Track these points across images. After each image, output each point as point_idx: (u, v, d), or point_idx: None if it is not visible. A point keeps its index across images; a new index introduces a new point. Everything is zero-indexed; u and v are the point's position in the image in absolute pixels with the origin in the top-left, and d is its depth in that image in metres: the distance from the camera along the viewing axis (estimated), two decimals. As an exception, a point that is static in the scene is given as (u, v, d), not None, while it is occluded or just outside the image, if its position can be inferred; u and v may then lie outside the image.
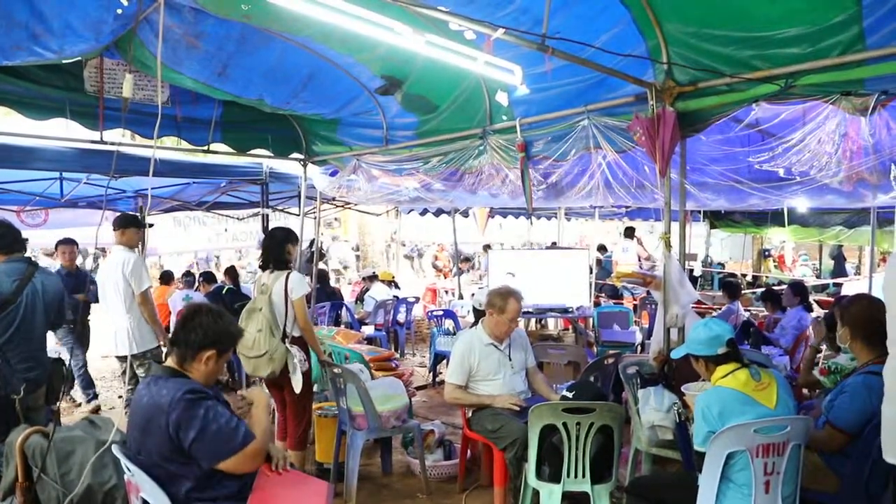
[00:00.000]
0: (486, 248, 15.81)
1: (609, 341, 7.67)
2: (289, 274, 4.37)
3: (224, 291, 7.80)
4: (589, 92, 4.28)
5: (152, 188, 8.05)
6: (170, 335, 2.64)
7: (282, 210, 10.14)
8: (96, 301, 5.92)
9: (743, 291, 8.98)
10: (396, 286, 11.30)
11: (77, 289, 6.19)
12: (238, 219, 11.36)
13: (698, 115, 3.77)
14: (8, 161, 5.67)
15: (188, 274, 10.72)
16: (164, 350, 5.40)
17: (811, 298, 8.34)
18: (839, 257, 14.67)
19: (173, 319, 7.51)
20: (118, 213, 5.62)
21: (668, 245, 3.87)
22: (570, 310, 8.16)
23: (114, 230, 5.22)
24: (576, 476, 3.43)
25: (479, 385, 4.15)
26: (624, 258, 12.02)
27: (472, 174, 5.55)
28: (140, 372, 5.19)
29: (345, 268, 18.06)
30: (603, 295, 11.52)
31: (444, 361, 7.24)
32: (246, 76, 5.17)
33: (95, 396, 6.56)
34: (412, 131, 5.75)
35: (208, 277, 8.56)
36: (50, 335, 4.50)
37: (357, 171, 6.40)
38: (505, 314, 4.10)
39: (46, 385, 4.10)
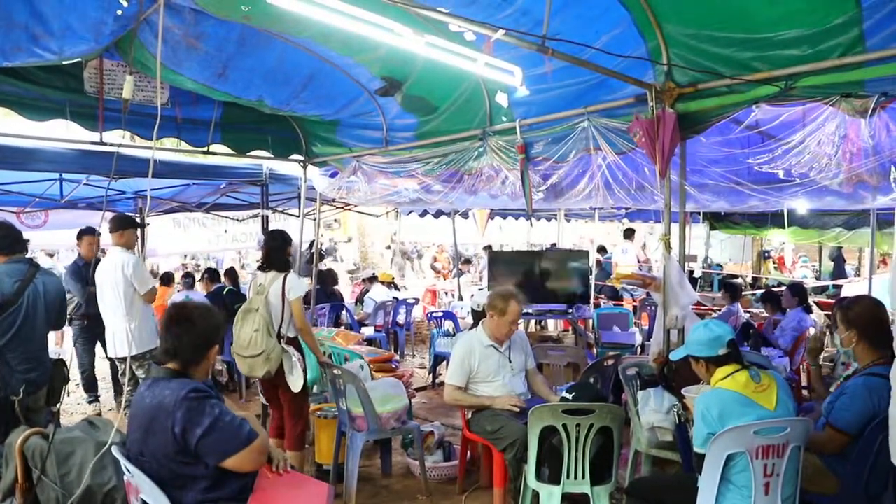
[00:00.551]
0: (488, 248, 15.83)
1: (609, 343, 7.67)
2: (286, 275, 4.38)
3: (225, 292, 7.80)
4: (589, 93, 4.29)
5: (152, 189, 8.07)
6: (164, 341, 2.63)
7: (282, 211, 10.14)
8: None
9: (743, 293, 8.98)
10: (396, 288, 11.30)
11: (93, 280, 6.14)
12: (238, 220, 11.35)
13: (698, 117, 3.78)
14: (8, 162, 5.68)
15: (188, 275, 10.72)
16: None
17: (811, 300, 8.34)
18: (839, 259, 14.68)
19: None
20: (115, 214, 5.60)
21: (667, 246, 3.87)
22: (570, 311, 8.16)
23: (111, 232, 5.21)
24: (575, 477, 3.43)
25: (479, 386, 4.15)
26: (623, 260, 12.02)
27: (471, 175, 5.55)
28: (140, 373, 5.18)
29: (357, 269, 17.95)
30: (602, 296, 11.52)
31: (444, 363, 7.23)
32: (246, 77, 5.18)
33: (97, 399, 6.54)
34: (412, 132, 5.76)
35: (213, 275, 8.51)
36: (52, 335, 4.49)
37: (357, 173, 6.41)
38: (506, 316, 4.10)
39: (47, 386, 4.11)
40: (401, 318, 9.49)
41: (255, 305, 4.34)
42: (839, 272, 14.41)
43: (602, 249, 14.15)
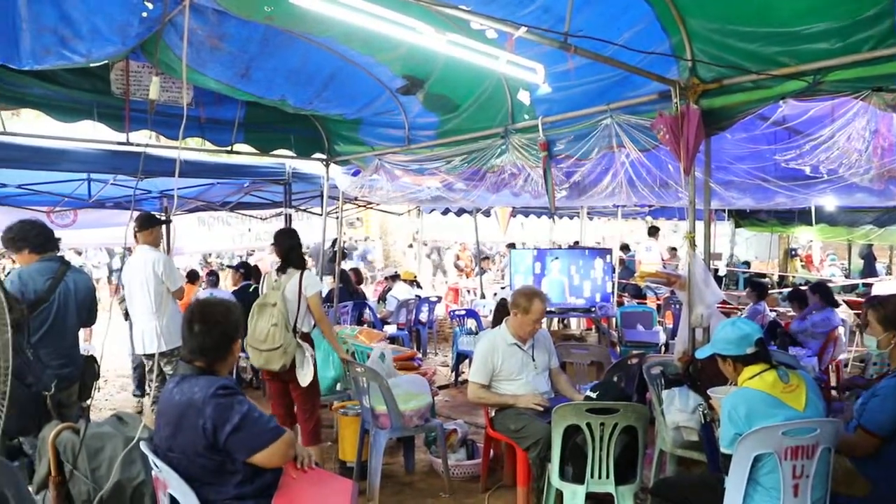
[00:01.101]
0: (511, 246, 15.78)
1: (633, 341, 7.62)
2: (303, 271, 4.46)
3: (251, 290, 7.86)
4: (612, 90, 4.25)
5: (177, 189, 8.14)
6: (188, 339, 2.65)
7: (304, 210, 10.20)
8: None
9: (769, 291, 8.85)
10: (418, 286, 11.31)
11: None
12: (261, 219, 11.43)
13: (723, 113, 3.73)
14: (38, 163, 5.77)
15: (212, 273, 10.83)
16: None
17: (840, 298, 8.19)
18: (869, 257, 14.40)
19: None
20: (140, 213, 5.68)
21: (692, 244, 3.83)
22: (593, 310, 8.11)
23: (138, 231, 5.29)
24: (600, 477, 3.41)
25: (503, 385, 4.14)
26: (648, 258, 11.91)
27: (493, 173, 5.54)
28: (168, 369, 5.26)
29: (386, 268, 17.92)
30: (626, 295, 11.44)
31: (467, 361, 7.24)
32: (268, 77, 5.21)
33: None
34: (434, 131, 5.76)
35: (247, 271, 8.55)
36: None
37: (379, 171, 6.42)
38: (529, 315, 4.09)
39: (79, 382, 4.18)
40: (423, 317, 9.50)
41: (271, 300, 4.42)
42: (869, 270, 14.14)
43: (625, 247, 14.04)
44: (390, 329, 8.42)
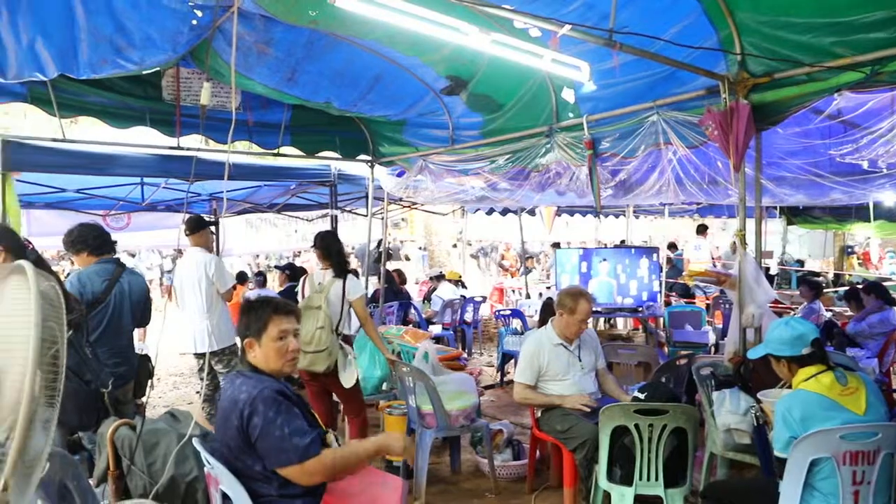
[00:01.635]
0: (555, 246, 15.66)
1: (681, 342, 7.49)
2: (346, 276, 4.54)
3: (296, 290, 7.98)
4: (658, 86, 4.19)
5: (226, 191, 8.32)
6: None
7: (350, 211, 10.30)
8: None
9: (824, 290, 8.59)
10: (463, 286, 11.32)
11: None
12: (307, 220, 11.59)
13: (775, 107, 3.63)
14: (95, 168, 5.96)
15: (260, 274, 11.04)
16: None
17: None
18: (931, 253, 13.86)
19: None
20: (189, 216, 5.82)
21: (742, 242, 3.75)
22: (640, 309, 7.99)
23: (189, 233, 5.43)
24: (648, 479, 3.36)
25: (549, 385, 4.11)
26: (697, 256, 11.67)
27: (538, 173, 5.50)
28: (219, 368, 5.39)
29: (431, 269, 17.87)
30: (674, 294, 11.23)
31: (512, 361, 7.21)
32: (314, 80, 5.28)
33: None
34: (478, 131, 5.75)
35: (294, 271, 8.68)
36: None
37: (423, 172, 6.45)
38: (575, 315, 4.05)
39: (134, 380, 4.32)
40: (468, 316, 9.50)
41: (316, 303, 4.50)
42: (932, 267, 13.60)
43: (673, 246, 13.80)
44: (435, 329, 8.45)
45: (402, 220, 18.84)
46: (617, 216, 13.59)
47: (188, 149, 5.88)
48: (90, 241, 4.26)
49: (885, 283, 7.62)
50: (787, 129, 4.25)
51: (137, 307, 4.36)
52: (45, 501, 2.18)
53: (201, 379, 5.65)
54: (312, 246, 4.97)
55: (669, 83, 4.12)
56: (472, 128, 5.78)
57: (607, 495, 3.51)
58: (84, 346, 3.41)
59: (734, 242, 3.76)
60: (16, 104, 5.28)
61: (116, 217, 9.60)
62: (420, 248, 19.61)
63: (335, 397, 4.78)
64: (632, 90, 4.33)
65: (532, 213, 12.29)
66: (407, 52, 4.81)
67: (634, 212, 12.28)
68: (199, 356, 5.50)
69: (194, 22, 4.25)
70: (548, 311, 5.25)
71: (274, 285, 11.17)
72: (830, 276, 13.97)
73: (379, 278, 8.61)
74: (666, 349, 7.47)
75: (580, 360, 4.14)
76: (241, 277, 9.42)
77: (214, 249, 5.73)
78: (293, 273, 8.51)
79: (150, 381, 4.44)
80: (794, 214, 12.71)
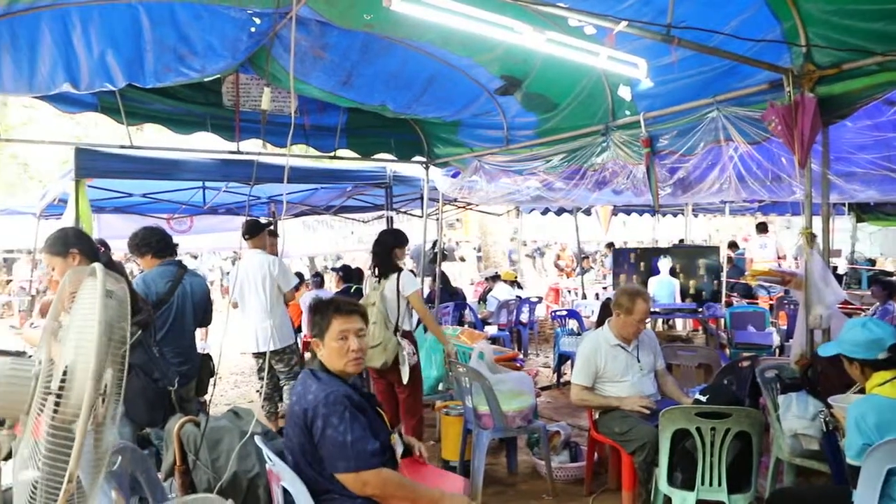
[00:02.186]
0: (610, 246, 15.42)
1: (743, 343, 7.28)
2: (400, 272, 4.59)
3: (352, 291, 8.09)
4: (718, 81, 4.08)
5: (286, 194, 8.49)
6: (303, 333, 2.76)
7: (405, 212, 10.38)
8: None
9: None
10: (519, 286, 11.27)
11: None
12: (363, 222, 11.73)
13: (843, 100, 3.49)
14: (160, 173, 6.17)
15: (317, 275, 11.22)
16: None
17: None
18: None
19: (304, 319, 7.86)
20: (248, 219, 5.98)
21: (809, 241, 3.61)
22: (700, 310, 7.80)
23: (248, 237, 5.59)
24: (711, 484, 3.28)
25: (607, 386, 4.06)
26: (761, 255, 11.29)
27: (594, 172, 5.43)
28: (279, 367, 5.53)
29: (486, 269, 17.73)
30: (735, 294, 10.92)
31: (569, 362, 7.14)
32: (369, 83, 5.34)
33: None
34: (532, 130, 5.72)
35: (347, 273, 8.82)
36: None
37: (478, 172, 6.45)
38: (633, 315, 3.99)
39: (196, 378, 4.46)
40: (524, 317, 9.45)
41: (371, 300, 4.62)
42: None
43: (734, 245, 13.40)
44: (491, 330, 8.44)
45: (457, 220, 18.87)
46: (675, 215, 13.28)
47: (248, 153, 6.03)
48: (153, 243, 4.43)
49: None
50: (857, 123, 4.06)
51: (199, 308, 4.50)
52: (118, 493, 2.27)
53: (261, 378, 5.79)
54: (376, 241, 5.07)
55: (729, 78, 4.01)
56: (526, 127, 5.75)
57: (668, 499, 3.44)
58: (152, 345, 3.53)
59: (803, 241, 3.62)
60: (87, 114, 5.50)
61: (179, 220, 9.92)
62: (475, 249, 19.64)
63: None
64: (690, 86, 4.23)
65: (588, 212, 12.14)
66: (460, 52, 4.82)
67: (693, 210, 12.00)
68: (259, 355, 5.65)
69: (253, 29, 4.36)
70: (606, 311, 5.18)
71: (331, 286, 11.34)
72: (904, 275, 13.34)
73: (434, 279, 8.65)
74: (727, 351, 7.29)
75: (639, 361, 4.08)
76: (299, 279, 9.58)
77: (275, 251, 5.89)
78: (346, 275, 8.63)
79: (211, 380, 4.58)
80: (864, 211, 12.16)
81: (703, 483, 3.28)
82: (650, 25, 2.97)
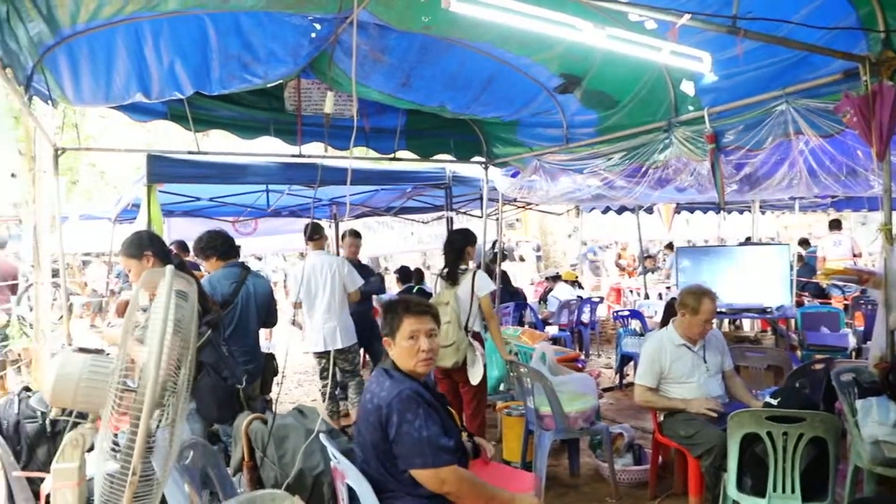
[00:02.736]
0: (669, 247, 15.08)
1: (816, 345, 7.00)
2: (475, 272, 4.58)
3: (415, 291, 8.16)
4: (786, 73, 3.93)
5: (349, 196, 8.63)
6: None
7: (464, 213, 10.40)
8: (379, 293, 6.46)
9: None
10: (580, 286, 11.14)
11: None
12: (423, 222, 11.80)
13: (925, 88, 3.31)
14: (226, 177, 6.36)
15: (378, 276, 11.34)
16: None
17: None
18: None
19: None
20: (311, 221, 6.12)
21: (888, 237, 3.44)
22: (769, 310, 7.54)
23: (312, 238, 5.71)
24: (783, 491, 3.16)
25: (672, 387, 3.97)
26: (835, 253, 10.82)
27: (656, 169, 5.32)
28: (344, 366, 5.63)
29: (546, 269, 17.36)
30: (806, 294, 10.52)
31: (632, 363, 7.02)
32: (428, 85, 5.37)
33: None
34: (592, 128, 5.64)
35: (405, 275, 8.90)
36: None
37: (538, 172, 6.40)
38: (698, 315, 3.89)
39: (260, 377, 4.58)
40: (585, 317, 9.34)
41: (444, 299, 4.60)
42: None
43: (805, 242, 12.90)
44: (552, 330, 8.37)
45: (517, 220, 18.78)
46: (741, 212, 12.87)
47: (310, 156, 6.16)
48: (218, 246, 4.59)
49: None
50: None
51: (262, 308, 4.63)
52: (191, 486, 2.35)
53: (324, 377, 5.90)
54: (447, 240, 5.11)
55: (799, 69, 3.86)
56: (586, 125, 5.68)
57: (737, 505, 3.34)
58: (221, 344, 3.65)
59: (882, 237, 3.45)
60: (157, 122, 5.73)
61: (244, 223, 10.21)
62: (534, 249, 19.51)
63: None
64: (757, 78, 4.09)
65: (650, 210, 11.91)
66: (519, 51, 4.80)
67: (761, 207, 11.60)
68: (321, 355, 5.75)
69: (313, 35, 4.45)
70: (670, 312, 5.07)
71: (391, 288, 11.46)
72: None
73: (494, 279, 8.63)
74: (799, 353, 7.02)
75: (705, 362, 3.97)
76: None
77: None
78: (404, 276, 8.71)
79: (274, 379, 4.71)
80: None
81: (774, 490, 3.17)
82: (715, 17, 2.89)
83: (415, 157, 6.93)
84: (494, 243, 9.09)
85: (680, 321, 4.02)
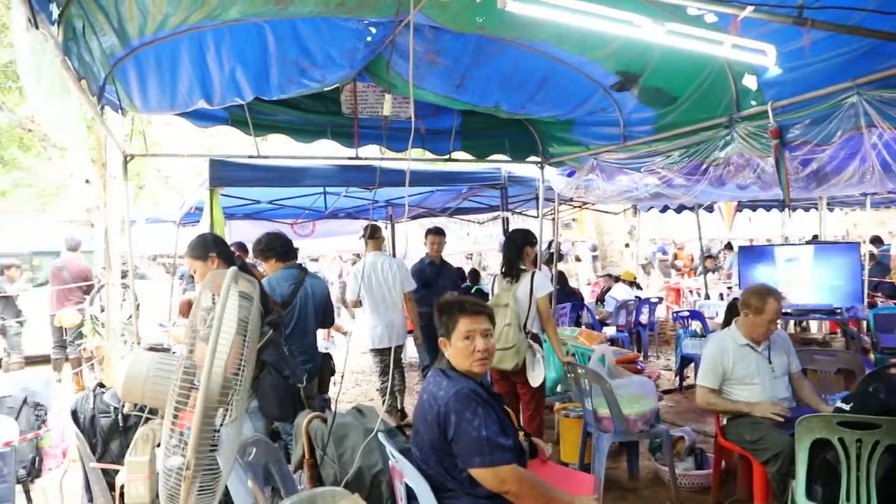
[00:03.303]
0: (728, 247, 14.68)
1: (891, 348, 6.69)
2: (534, 273, 4.56)
3: (472, 291, 8.18)
4: (857, 63, 3.76)
5: (402, 197, 8.71)
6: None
7: (520, 213, 10.35)
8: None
9: None
10: (638, 287, 10.96)
11: (436, 278, 6.84)
12: (479, 223, 11.81)
13: None
14: (285, 180, 6.50)
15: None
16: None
17: None
18: None
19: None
20: (369, 223, 6.22)
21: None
22: (838, 311, 7.25)
23: (371, 238, 5.81)
24: (857, 501, 3.03)
25: (735, 389, 3.86)
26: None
27: (717, 166, 5.18)
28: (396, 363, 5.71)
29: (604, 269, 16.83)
30: (880, 294, 10.08)
31: (692, 365, 6.87)
32: (483, 85, 5.38)
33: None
34: (650, 126, 5.53)
35: (462, 276, 8.93)
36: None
37: (594, 171, 6.32)
38: (763, 315, 3.77)
39: (318, 376, 4.67)
40: (643, 318, 9.18)
41: (503, 301, 4.58)
42: None
43: (878, 240, 12.36)
44: (609, 331, 8.26)
45: (573, 220, 18.59)
46: (807, 209, 12.41)
47: (367, 158, 6.24)
48: (277, 248, 4.70)
49: None
50: None
51: (320, 308, 4.72)
52: (254, 482, 2.41)
53: (384, 375, 5.95)
54: (506, 239, 5.12)
55: (871, 59, 3.68)
56: (644, 123, 5.57)
57: (806, 514, 3.22)
58: (282, 344, 3.73)
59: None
60: (218, 127, 5.90)
61: (303, 225, 10.42)
62: (590, 249, 19.28)
63: None
64: (824, 70, 3.93)
65: (710, 209, 11.62)
66: (574, 50, 4.74)
67: (828, 204, 11.17)
68: (379, 352, 5.83)
69: (369, 39, 4.51)
70: (732, 312, 4.93)
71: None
72: None
73: (551, 279, 8.57)
74: (871, 356, 6.73)
75: (770, 363, 3.85)
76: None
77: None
78: (460, 277, 8.73)
79: (331, 378, 4.80)
80: None
81: (848, 500, 3.04)
82: (779, 8, 2.80)
83: (470, 157, 6.93)
84: (550, 243, 9.02)
85: (743, 321, 3.91)
